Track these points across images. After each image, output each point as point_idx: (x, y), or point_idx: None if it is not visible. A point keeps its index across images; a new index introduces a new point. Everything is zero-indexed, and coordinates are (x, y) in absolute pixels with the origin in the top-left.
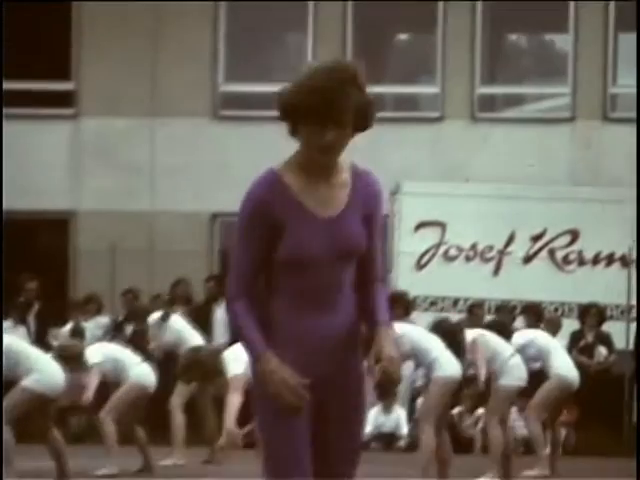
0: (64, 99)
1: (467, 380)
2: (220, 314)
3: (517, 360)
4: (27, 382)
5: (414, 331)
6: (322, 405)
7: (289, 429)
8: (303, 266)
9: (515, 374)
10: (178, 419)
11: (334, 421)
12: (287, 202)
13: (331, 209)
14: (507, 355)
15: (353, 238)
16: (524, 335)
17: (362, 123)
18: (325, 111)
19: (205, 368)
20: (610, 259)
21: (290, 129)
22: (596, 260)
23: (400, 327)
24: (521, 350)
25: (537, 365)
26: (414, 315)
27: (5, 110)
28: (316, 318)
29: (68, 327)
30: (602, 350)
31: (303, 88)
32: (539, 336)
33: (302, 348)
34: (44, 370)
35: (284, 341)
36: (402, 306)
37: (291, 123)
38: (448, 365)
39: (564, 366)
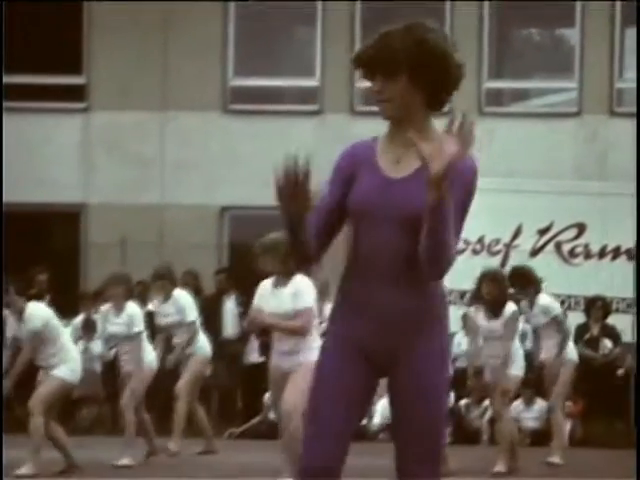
0: (75, 93)
1: (475, 372)
2: (230, 306)
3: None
4: (63, 373)
5: None
6: (390, 381)
7: (327, 387)
8: (363, 222)
9: (519, 363)
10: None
11: (404, 403)
12: (366, 161)
13: (402, 171)
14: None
15: (412, 201)
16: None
17: (425, 75)
18: (367, 62)
19: None
20: (616, 253)
21: None
22: (602, 253)
23: None
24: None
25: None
26: None
27: (16, 104)
28: (378, 288)
29: (79, 319)
30: (607, 343)
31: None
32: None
33: (361, 317)
34: (76, 360)
35: (347, 308)
36: None
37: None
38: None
39: (573, 351)
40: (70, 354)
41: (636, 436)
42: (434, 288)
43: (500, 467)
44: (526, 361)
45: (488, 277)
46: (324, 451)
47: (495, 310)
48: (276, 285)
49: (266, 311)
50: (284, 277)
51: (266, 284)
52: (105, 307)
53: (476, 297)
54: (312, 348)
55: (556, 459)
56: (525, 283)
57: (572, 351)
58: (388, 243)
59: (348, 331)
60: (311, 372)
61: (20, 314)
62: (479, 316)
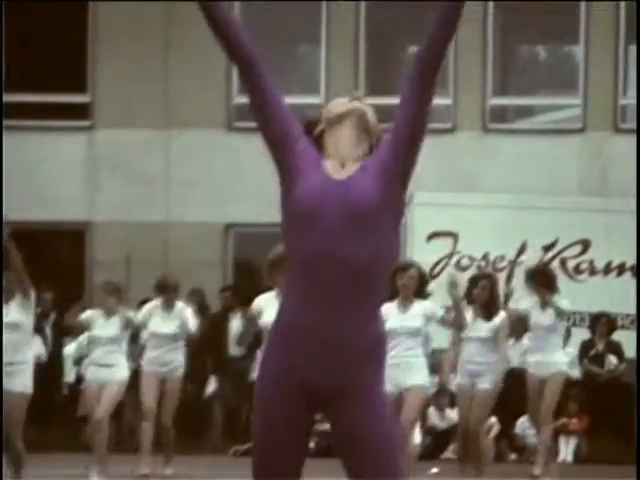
0: (80, 111)
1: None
2: (235, 324)
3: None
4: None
5: None
6: (331, 414)
7: (266, 422)
8: (305, 225)
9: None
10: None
11: (351, 447)
12: (315, 157)
13: (346, 173)
14: None
15: (365, 193)
16: None
17: None
18: None
19: None
20: (621, 269)
21: None
22: (607, 270)
23: None
24: None
25: None
26: None
27: (21, 122)
28: (322, 311)
29: (84, 337)
30: (612, 359)
31: None
32: None
33: (301, 346)
34: None
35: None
36: None
37: None
38: None
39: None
40: None
41: (636, 448)
42: (378, 319)
43: None
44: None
45: (478, 280)
46: None
47: (484, 313)
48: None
49: (263, 323)
50: None
51: (267, 297)
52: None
53: (467, 300)
54: None
55: (537, 470)
56: (546, 282)
57: (565, 363)
58: (336, 250)
59: (285, 362)
60: None
61: None
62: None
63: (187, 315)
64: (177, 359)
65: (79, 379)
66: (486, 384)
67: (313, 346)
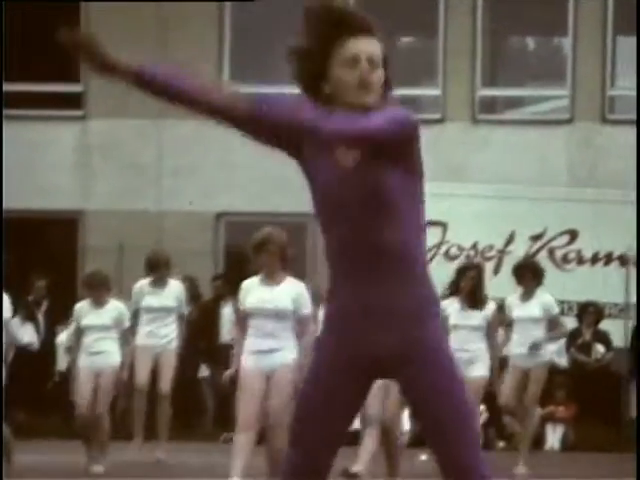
0: (73, 101)
1: None
2: (227, 311)
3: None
4: None
5: None
6: (402, 381)
7: (322, 392)
8: (330, 211)
9: (486, 363)
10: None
11: (427, 402)
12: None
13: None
14: None
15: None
16: None
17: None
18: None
19: None
20: (608, 258)
21: None
22: (595, 259)
23: None
24: None
25: None
26: None
27: (16, 111)
28: (363, 287)
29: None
30: (600, 348)
31: None
32: None
33: (355, 321)
34: None
35: (337, 313)
36: None
37: None
38: None
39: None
40: None
41: (636, 438)
42: (425, 282)
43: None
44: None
45: (466, 271)
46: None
47: (471, 302)
48: (265, 282)
49: (252, 305)
50: (277, 274)
51: (253, 280)
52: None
53: (452, 291)
54: (292, 347)
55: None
56: (533, 276)
57: (549, 352)
58: (369, 237)
59: (343, 341)
60: (293, 373)
61: None
62: (453, 306)
63: (182, 292)
64: (171, 333)
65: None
66: (477, 372)
67: (368, 321)
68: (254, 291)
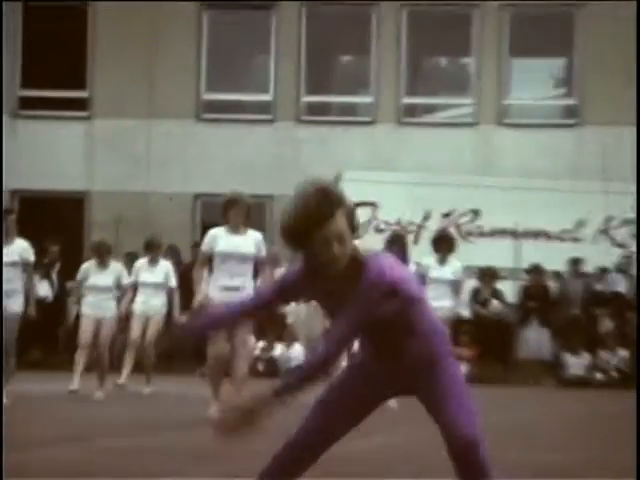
0: (81, 104)
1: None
2: (204, 277)
3: None
4: None
5: None
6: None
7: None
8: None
9: None
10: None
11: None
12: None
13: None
14: None
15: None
16: None
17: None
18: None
19: None
20: (502, 233)
21: None
22: (492, 233)
23: None
24: None
25: None
26: None
27: (35, 112)
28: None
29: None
30: (495, 303)
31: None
32: None
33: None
34: None
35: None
36: None
37: None
38: None
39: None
40: None
41: (636, 437)
42: (431, 335)
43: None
44: None
45: (393, 240)
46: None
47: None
48: (232, 232)
49: (223, 249)
50: (242, 226)
51: (219, 230)
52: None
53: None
54: (252, 286)
55: None
56: (447, 245)
57: (454, 307)
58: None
59: (369, 370)
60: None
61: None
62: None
63: (170, 270)
64: (160, 303)
65: (78, 315)
66: None
67: (388, 376)
68: (223, 238)
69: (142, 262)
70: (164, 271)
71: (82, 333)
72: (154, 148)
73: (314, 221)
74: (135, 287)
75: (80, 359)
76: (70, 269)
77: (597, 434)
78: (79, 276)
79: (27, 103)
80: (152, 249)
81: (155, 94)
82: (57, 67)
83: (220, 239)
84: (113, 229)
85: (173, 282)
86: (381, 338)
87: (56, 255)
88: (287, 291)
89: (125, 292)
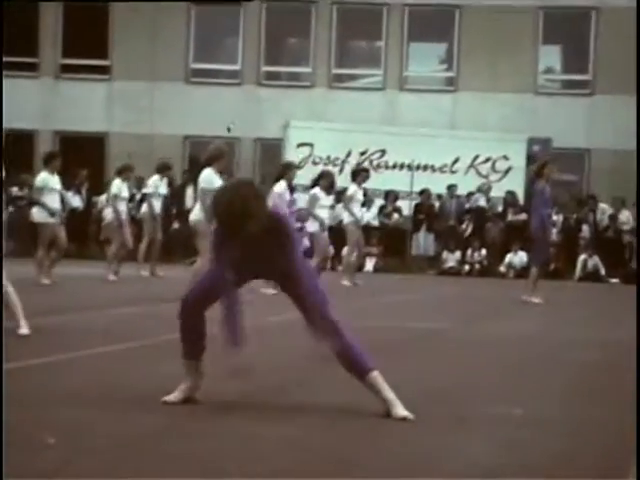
0: (104, 70)
1: None
2: (189, 192)
3: None
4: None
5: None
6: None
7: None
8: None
9: None
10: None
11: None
12: None
13: None
14: None
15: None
16: None
17: None
18: None
19: None
20: (401, 166)
21: None
22: (394, 166)
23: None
24: None
25: None
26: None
27: (71, 75)
28: None
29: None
30: (395, 215)
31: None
32: None
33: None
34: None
35: None
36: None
37: None
38: None
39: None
40: None
41: (636, 433)
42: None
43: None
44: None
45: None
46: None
47: (328, 191)
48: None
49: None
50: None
51: (207, 171)
52: (118, 181)
53: (315, 184)
54: None
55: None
56: (362, 175)
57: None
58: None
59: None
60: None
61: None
62: (318, 193)
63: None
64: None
65: (101, 219)
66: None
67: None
68: (210, 178)
69: (155, 178)
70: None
71: (108, 233)
72: (156, 102)
73: (241, 216)
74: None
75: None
76: (94, 188)
77: (464, 308)
78: (110, 189)
79: (66, 68)
80: (162, 171)
81: (157, 63)
82: (87, 43)
83: (216, 179)
84: (125, 160)
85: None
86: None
87: (84, 177)
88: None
89: (147, 201)
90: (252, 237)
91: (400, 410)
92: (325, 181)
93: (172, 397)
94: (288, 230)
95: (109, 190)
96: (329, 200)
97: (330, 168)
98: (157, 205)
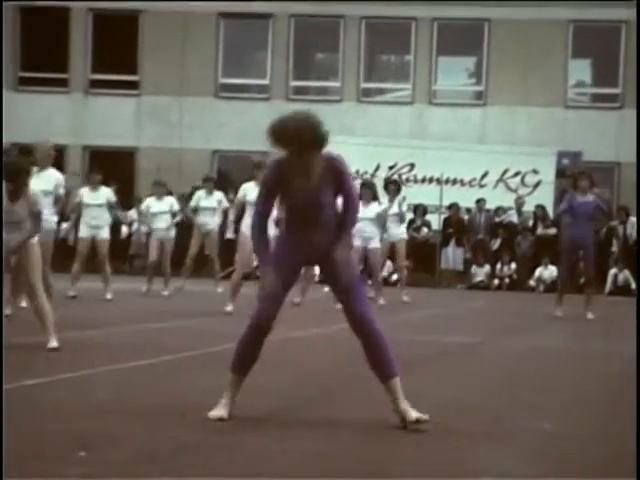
0: (133, 85)
1: None
2: (220, 197)
3: None
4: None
5: None
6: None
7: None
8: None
9: None
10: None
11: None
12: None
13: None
14: None
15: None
16: None
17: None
18: None
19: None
20: (430, 180)
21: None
22: (423, 180)
23: None
24: None
25: None
26: None
27: (101, 90)
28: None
29: (134, 210)
30: (425, 229)
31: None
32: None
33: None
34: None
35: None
36: None
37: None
38: None
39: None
40: None
41: (636, 434)
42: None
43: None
44: None
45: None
46: (268, 310)
47: (368, 203)
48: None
49: (253, 198)
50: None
51: (250, 184)
52: (149, 200)
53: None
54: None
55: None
56: (395, 188)
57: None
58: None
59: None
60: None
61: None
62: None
63: (222, 198)
64: (171, 229)
65: (130, 235)
66: (374, 244)
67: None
68: (252, 191)
69: (200, 193)
70: (217, 198)
71: (152, 249)
72: (184, 117)
73: (311, 139)
74: (196, 210)
75: (150, 268)
76: (124, 202)
77: (494, 322)
78: (143, 206)
79: (96, 84)
80: (206, 182)
81: (186, 78)
82: (117, 58)
83: (250, 191)
84: (154, 175)
85: (225, 205)
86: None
87: (115, 192)
88: (272, 190)
89: (185, 215)
90: (310, 185)
91: (413, 414)
92: (367, 189)
93: (218, 413)
94: (344, 168)
95: (138, 205)
96: (371, 212)
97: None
98: (206, 219)
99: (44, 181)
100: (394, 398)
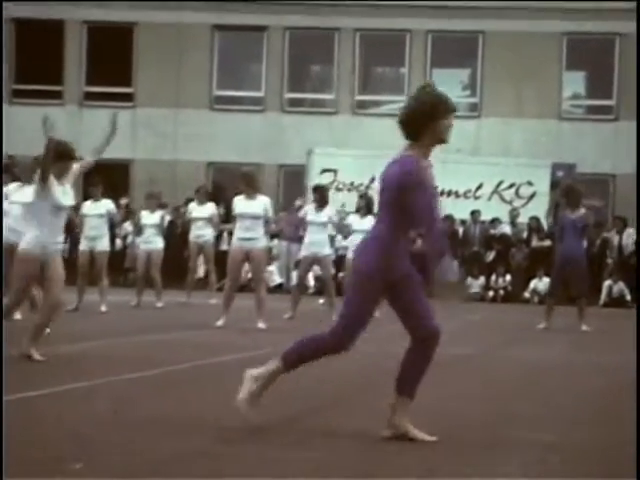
0: (128, 97)
1: None
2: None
3: None
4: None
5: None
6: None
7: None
8: None
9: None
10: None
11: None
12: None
13: None
14: None
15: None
16: None
17: None
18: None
19: None
20: (442, 192)
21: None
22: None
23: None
24: None
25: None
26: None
27: (95, 103)
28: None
29: (127, 222)
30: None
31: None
32: None
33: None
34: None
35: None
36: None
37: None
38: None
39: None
40: None
41: (636, 435)
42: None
43: None
44: None
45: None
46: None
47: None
48: (247, 198)
49: (240, 210)
50: (252, 194)
51: (240, 197)
52: (143, 212)
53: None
54: (262, 237)
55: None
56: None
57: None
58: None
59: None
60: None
61: None
62: (354, 218)
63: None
64: (159, 241)
65: (125, 247)
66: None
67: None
68: (241, 203)
69: (193, 204)
70: (209, 210)
71: (139, 261)
72: (179, 129)
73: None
74: (189, 222)
75: (138, 280)
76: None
77: (489, 334)
78: (137, 218)
79: (90, 96)
80: (199, 194)
81: (181, 90)
82: (111, 70)
83: (239, 203)
84: (147, 187)
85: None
86: None
87: (122, 207)
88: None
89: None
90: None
91: (419, 434)
92: (366, 202)
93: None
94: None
95: (133, 217)
96: (366, 224)
97: (354, 193)
98: (200, 232)
99: None
100: (401, 415)
